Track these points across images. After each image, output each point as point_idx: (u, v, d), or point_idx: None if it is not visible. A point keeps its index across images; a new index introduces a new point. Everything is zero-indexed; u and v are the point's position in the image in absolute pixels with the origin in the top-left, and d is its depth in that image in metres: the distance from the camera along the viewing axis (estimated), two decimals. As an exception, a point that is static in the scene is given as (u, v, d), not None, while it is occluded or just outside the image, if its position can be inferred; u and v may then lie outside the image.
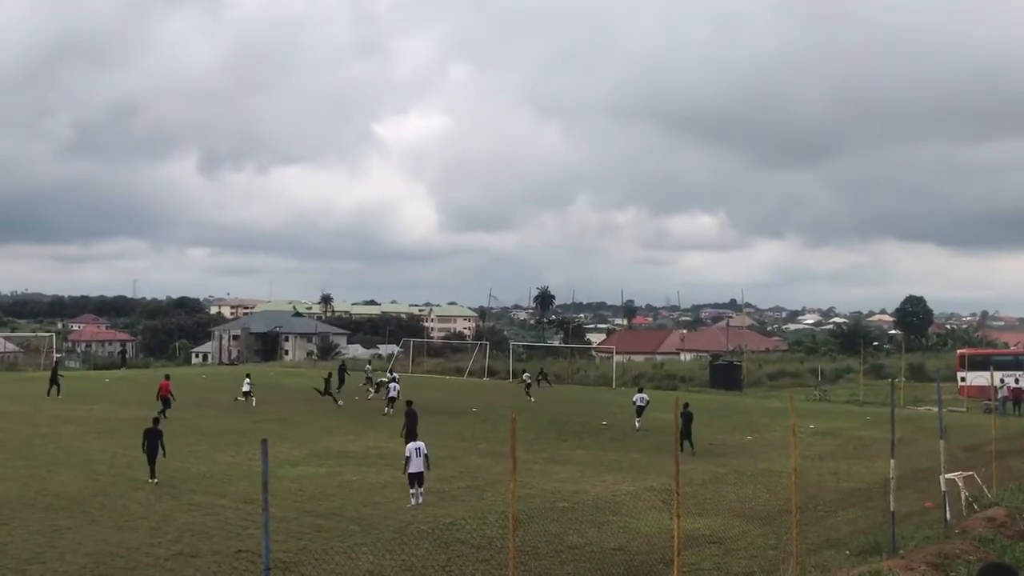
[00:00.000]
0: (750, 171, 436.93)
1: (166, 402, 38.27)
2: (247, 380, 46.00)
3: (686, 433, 29.69)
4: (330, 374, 50.08)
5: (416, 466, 21.15)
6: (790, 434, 16.04)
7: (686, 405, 29.88)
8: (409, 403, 28.97)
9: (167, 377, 41.35)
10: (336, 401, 45.55)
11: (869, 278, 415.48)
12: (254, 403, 43.94)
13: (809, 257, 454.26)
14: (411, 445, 21.47)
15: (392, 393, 42.98)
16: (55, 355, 74.08)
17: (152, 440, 23.74)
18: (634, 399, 38.32)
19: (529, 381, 56.04)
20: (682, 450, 30.58)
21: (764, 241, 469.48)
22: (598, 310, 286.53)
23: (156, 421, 24.84)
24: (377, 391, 50.01)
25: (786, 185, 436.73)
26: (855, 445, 33.02)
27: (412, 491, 21.13)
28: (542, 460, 28.30)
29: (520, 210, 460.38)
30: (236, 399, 44.77)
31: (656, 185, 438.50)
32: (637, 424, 36.73)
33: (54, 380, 47.46)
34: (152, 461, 23.58)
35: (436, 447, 29.79)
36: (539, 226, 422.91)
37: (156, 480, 23.19)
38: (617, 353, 76.32)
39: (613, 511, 20.47)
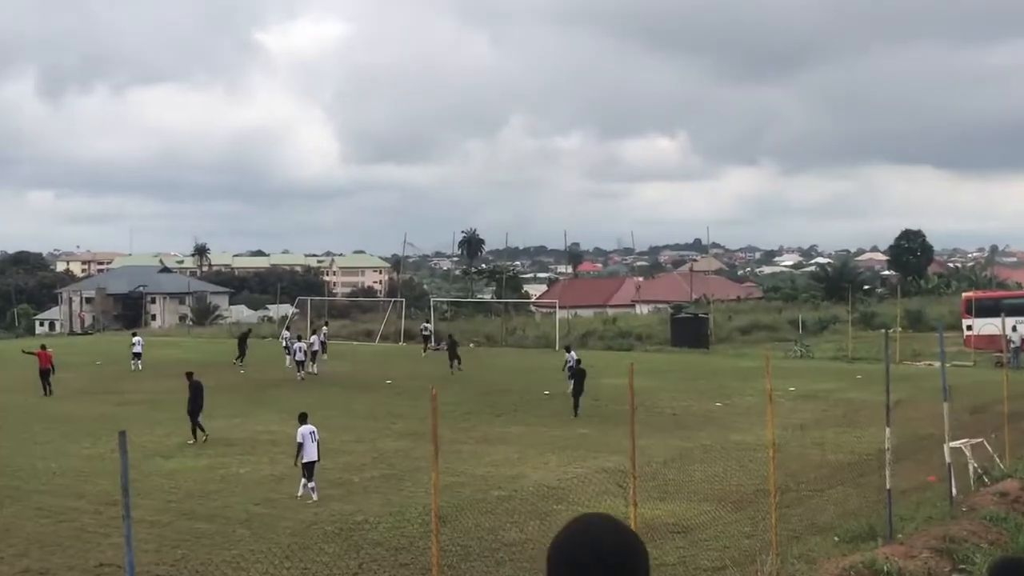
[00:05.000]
0: (716, 84, 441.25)
1: (46, 375, 39.19)
2: (136, 339, 50.36)
3: (578, 390, 33.24)
4: (243, 336, 53.23)
5: (312, 453, 21.28)
6: (766, 399, 16.27)
7: (578, 361, 35.74)
8: (189, 374, 30.17)
9: (43, 347, 41.68)
10: (236, 364, 49.35)
11: (857, 209, 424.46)
12: (140, 366, 48.05)
13: (786, 186, 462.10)
14: (304, 429, 21.51)
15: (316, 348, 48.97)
16: None
17: None
18: (567, 360, 39.09)
19: (427, 334, 60.34)
20: (576, 412, 32.46)
21: (733, 168, 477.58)
22: (537, 256, 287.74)
23: None
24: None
25: (758, 100, 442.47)
26: (843, 410, 33.71)
27: (311, 484, 21.15)
28: (472, 440, 28.39)
29: (440, 137, 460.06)
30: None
31: (605, 104, 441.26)
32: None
33: None
34: None
35: (342, 429, 29.75)
36: (463, 156, 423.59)
37: None
38: (561, 307, 76.54)
39: (559, 499, 20.63)
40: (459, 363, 47.83)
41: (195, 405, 28.73)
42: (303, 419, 22.04)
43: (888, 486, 16.73)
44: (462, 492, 21.14)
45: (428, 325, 63.06)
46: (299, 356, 45.75)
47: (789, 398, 36.06)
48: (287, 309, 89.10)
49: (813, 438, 27.33)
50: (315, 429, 21.78)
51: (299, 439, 21.47)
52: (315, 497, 21.00)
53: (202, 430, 28.59)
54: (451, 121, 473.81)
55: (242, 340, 51.95)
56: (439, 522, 12.02)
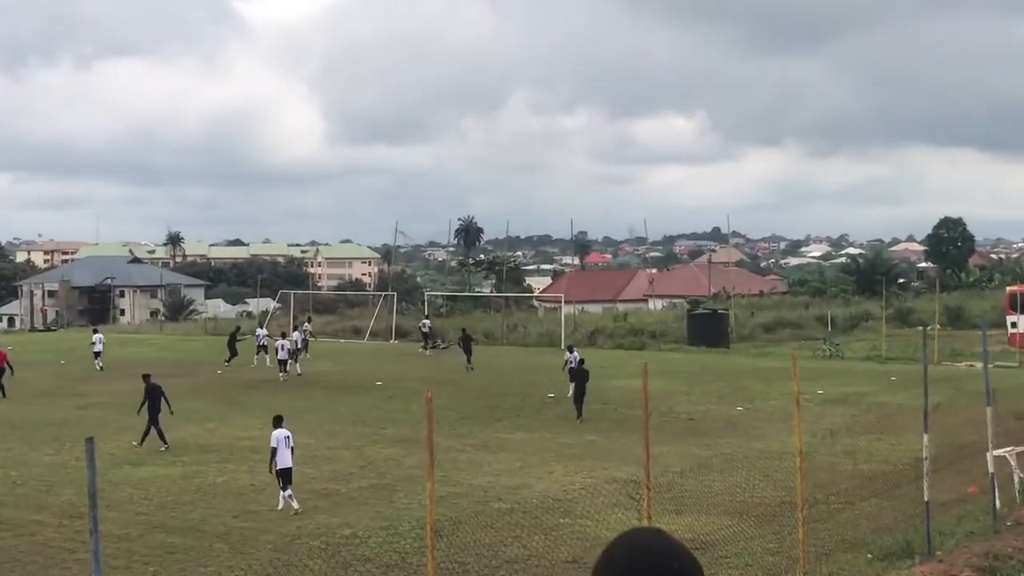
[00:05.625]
0: (737, 58, 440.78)
1: (0, 376, 39.78)
2: (97, 336, 51.31)
3: (579, 393, 33.37)
4: (233, 335, 53.32)
5: (287, 460, 21.34)
6: (792, 403, 16.22)
7: (581, 361, 35.94)
8: (146, 376, 30.24)
9: None
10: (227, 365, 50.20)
11: (892, 195, 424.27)
12: (100, 366, 48.73)
13: (814, 169, 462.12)
14: (278, 433, 21.55)
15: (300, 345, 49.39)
16: None
17: None
18: (567, 360, 39.02)
19: (427, 331, 61.08)
20: (580, 416, 32.50)
21: (756, 150, 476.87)
22: (540, 246, 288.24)
23: None
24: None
25: (784, 75, 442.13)
26: (876, 415, 33.65)
27: (289, 493, 21.21)
28: (470, 447, 28.38)
29: (435, 115, 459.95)
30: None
31: (616, 78, 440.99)
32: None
33: None
34: None
35: (327, 434, 29.81)
36: (460, 136, 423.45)
37: None
38: (567, 302, 76.58)
39: (565, 512, 20.61)
40: (469, 362, 48.50)
41: (153, 410, 28.69)
42: (278, 422, 22.10)
43: (926, 498, 16.70)
44: (459, 504, 21.10)
45: (427, 321, 63.28)
46: (281, 355, 45.75)
47: (817, 402, 36.03)
48: (268, 303, 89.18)
49: (844, 446, 27.27)
50: (290, 434, 21.80)
51: (273, 443, 21.51)
52: (296, 507, 20.98)
53: (141, 441, 28.51)
54: (447, 98, 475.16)
55: (232, 340, 52.06)
56: (434, 537, 11.97)
